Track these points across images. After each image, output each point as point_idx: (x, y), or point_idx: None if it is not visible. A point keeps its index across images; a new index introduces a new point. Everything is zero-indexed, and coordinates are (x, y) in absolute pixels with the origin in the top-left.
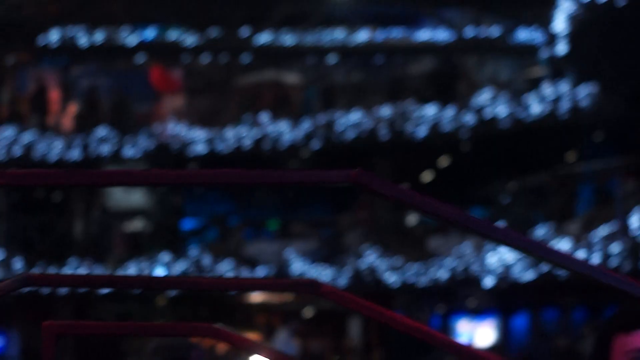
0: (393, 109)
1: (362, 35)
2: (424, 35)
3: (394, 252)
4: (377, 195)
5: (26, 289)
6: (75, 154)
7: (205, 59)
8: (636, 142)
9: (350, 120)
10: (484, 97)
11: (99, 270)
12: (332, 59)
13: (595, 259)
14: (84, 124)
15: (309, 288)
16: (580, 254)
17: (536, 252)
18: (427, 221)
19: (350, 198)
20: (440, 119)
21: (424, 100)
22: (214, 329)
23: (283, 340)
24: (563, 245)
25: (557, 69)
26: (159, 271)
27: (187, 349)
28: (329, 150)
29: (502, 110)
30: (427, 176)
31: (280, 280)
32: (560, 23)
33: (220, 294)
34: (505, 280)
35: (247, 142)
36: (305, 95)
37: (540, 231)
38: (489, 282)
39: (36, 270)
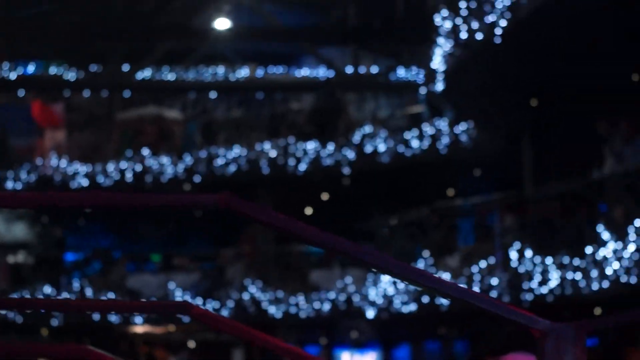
0: (274, 144)
1: (243, 72)
2: (304, 72)
3: (276, 285)
4: (246, 218)
5: None
6: None
7: (86, 93)
8: (514, 178)
9: (232, 155)
10: (363, 132)
11: None
12: (213, 94)
13: (475, 290)
14: None
15: (181, 309)
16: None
17: (407, 275)
18: (310, 254)
19: (233, 232)
20: (320, 154)
21: (304, 136)
22: (86, 349)
23: None
24: (443, 277)
25: (436, 106)
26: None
27: None
28: (210, 183)
29: (381, 145)
30: (308, 210)
31: (154, 302)
32: (438, 61)
33: (104, 325)
34: (387, 312)
35: (129, 176)
36: (187, 130)
37: (420, 264)
38: (370, 313)
39: None
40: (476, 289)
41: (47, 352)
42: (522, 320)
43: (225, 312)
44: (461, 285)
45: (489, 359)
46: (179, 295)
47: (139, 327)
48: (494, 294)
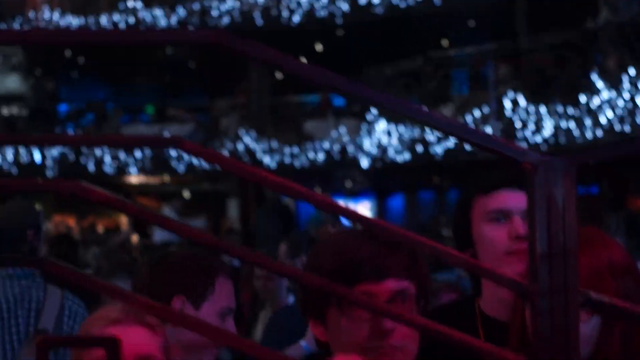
0: None
1: None
2: None
3: (270, 135)
4: (239, 54)
5: None
6: None
7: None
8: (508, 28)
9: (225, 7)
10: None
11: None
12: None
13: None
14: None
15: (172, 143)
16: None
17: (410, 113)
18: (304, 104)
19: (228, 83)
20: (314, 5)
21: None
22: (79, 185)
23: (167, 215)
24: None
25: None
26: (36, 155)
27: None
28: None
29: None
30: (302, 61)
31: (146, 136)
32: None
33: (99, 176)
34: (381, 161)
35: (122, 27)
36: None
37: None
38: (364, 163)
39: None
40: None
41: (40, 187)
42: (512, 154)
43: None
44: (453, 119)
45: (480, 195)
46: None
47: (134, 177)
48: None
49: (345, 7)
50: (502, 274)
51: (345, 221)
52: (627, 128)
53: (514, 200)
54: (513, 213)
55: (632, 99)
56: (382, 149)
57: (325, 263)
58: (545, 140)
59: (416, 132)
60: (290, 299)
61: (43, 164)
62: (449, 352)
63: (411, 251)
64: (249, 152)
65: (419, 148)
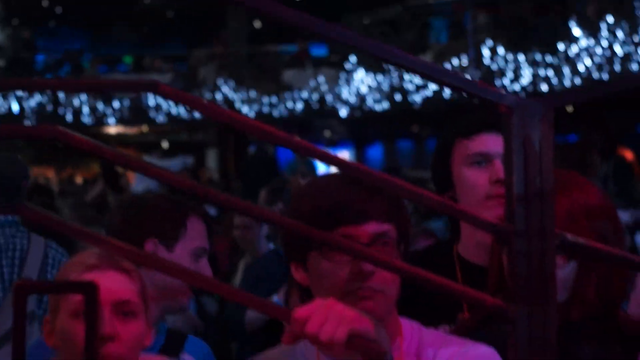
0: None
1: None
2: None
3: (249, 85)
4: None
5: None
6: None
7: None
8: None
9: None
10: None
11: None
12: None
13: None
14: None
15: (149, 87)
16: (433, 85)
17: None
18: (283, 53)
19: (206, 33)
20: None
21: None
22: (56, 129)
23: None
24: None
25: None
26: (14, 106)
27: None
28: None
29: None
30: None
31: (122, 81)
32: None
33: (77, 127)
34: (360, 110)
35: None
36: None
37: None
38: (343, 112)
39: None
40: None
41: (18, 132)
42: (489, 96)
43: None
44: (430, 62)
45: (460, 139)
46: (151, 96)
47: (112, 127)
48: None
49: None
50: (479, 216)
51: (319, 171)
52: (605, 76)
53: (494, 143)
54: (493, 157)
55: (610, 47)
56: (361, 98)
57: (306, 206)
58: (523, 89)
59: (395, 81)
60: (270, 247)
61: (21, 115)
62: (429, 298)
63: (391, 195)
64: (228, 101)
65: (398, 97)
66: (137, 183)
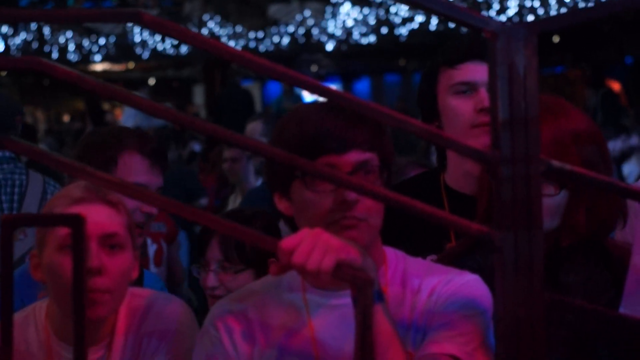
0: None
1: None
2: None
3: (234, 20)
4: None
5: None
6: None
7: None
8: None
9: None
10: None
11: None
12: None
13: None
14: None
15: (131, 17)
16: (419, 17)
17: None
18: None
19: None
20: None
21: None
22: (36, 59)
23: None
24: (402, 10)
25: None
26: None
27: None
28: None
29: None
30: None
31: (105, 10)
32: None
33: (63, 63)
34: (346, 44)
35: None
36: None
37: None
38: (330, 46)
39: None
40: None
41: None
42: (474, 22)
43: (184, 49)
44: None
45: (445, 68)
46: (137, 32)
47: (98, 65)
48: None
49: None
50: (465, 144)
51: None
52: (591, 4)
53: (480, 72)
54: (479, 85)
55: None
56: (347, 31)
57: (289, 136)
58: (509, 19)
59: (381, 14)
60: (259, 182)
61: (6, 52)
62: (417, 228)
63: (375, 124)
64: (214, 37)
65: (384, 30)
66: (124, 119)
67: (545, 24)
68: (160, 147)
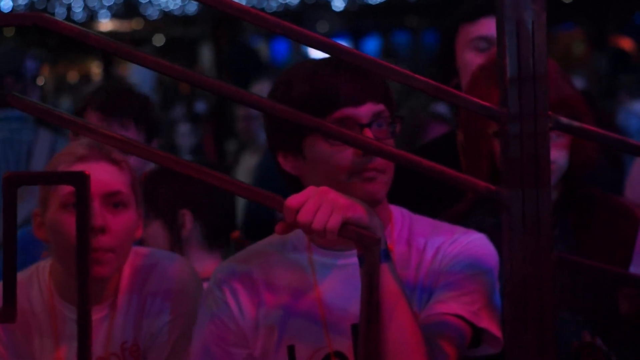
0: None
1: None
2: None
3: None
4: None
5: None
6: None
7: None
8: None
9: None
10: None
11: None
12: None
13: None
14: None
15: None
16: None
17: None
18: None
19: None
20: None
21: None
22: (41, 16)
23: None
24: None
25: None
26: (6, 2)
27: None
28: None
29: None
30: None
31: None
32: None
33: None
34: (355, 3)
35: None
36: None
37: None
38: (338, 4)
39: None
40: None
41: (2, 20)
42: None
43: (191, 7)
44: None
45: (465, 23)
46: None
47: (104, 23)
48: None
49: None
50: (472, 99)
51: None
52: None
53: None
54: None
55: None
56: None
57: (299, 91)
58: None
59: None
60: None
61: (13, 11)
62: (430, 189)
63: (380, 77)
64: None
65: None
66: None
67: None
68: (142, 108)
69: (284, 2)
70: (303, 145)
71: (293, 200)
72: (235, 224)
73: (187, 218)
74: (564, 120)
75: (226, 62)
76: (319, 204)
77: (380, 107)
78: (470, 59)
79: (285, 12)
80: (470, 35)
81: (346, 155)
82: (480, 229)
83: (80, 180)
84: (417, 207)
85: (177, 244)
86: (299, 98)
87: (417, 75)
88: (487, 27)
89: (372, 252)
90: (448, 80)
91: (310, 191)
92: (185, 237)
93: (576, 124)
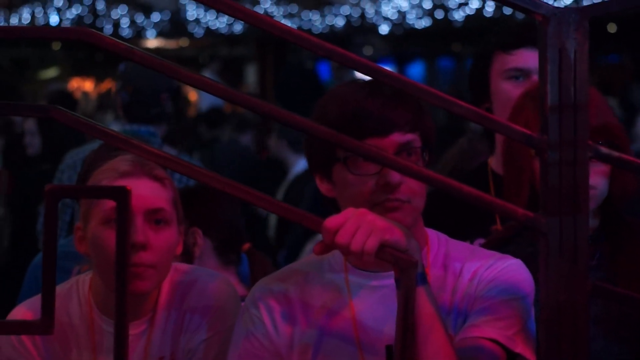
0: None
1: None
2: None
3: (289, 0)
4: None
5: None
6: None
7: None
8: None
9: None
10: None
11: None
12: None
13: None
14: None
15: None
16: (475, 2)
17: None
18: None
19: None
20: None
21: None
22: (86, 31)
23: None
24: None
25: None
26: (54, 17)
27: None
28: None
29: None
30: None
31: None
32: None
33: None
34: (401, 27)
35: None
36: None
37: None
38: (384, 29)
39: None
40: None
41: (49, 34)
42: (526, 5)
43: (238, 27)
44: None
45: (499, 52)
46: (191, 9)
47: (151, 41)
48: None
49: None
50: (513, 126)
51: None
52: None
53: (533, 59)
54: (532, 72)
55: None
56: (402, 14)
57: (330, 117)
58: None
59: None
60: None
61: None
62: (463, 212)
63: (415, 104)
64: (268, 16)
65: (439, 14)
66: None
67: (597, 9)
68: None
69: (330, 24)
70: (332, 172)
71: (332, 221)
72: (244, 236)
73: (198, 236)
74: (604, 149)
75: (281, 83)
76: (357, 225)
77: (409, 137)
78: (505, 88)
79: (331, 36)
80: (505, 65)
81: (368, 186)
82: (518, 256)
83: (121, 195)
84: (447, 230)
85: (190, 262)
86: (329, 124)
87: (458, 101)
88: (523, 58)
89: (408, 275)
90: (479, 104)
91: (349, 212)
92: (198, 256)
93: (615, 154)
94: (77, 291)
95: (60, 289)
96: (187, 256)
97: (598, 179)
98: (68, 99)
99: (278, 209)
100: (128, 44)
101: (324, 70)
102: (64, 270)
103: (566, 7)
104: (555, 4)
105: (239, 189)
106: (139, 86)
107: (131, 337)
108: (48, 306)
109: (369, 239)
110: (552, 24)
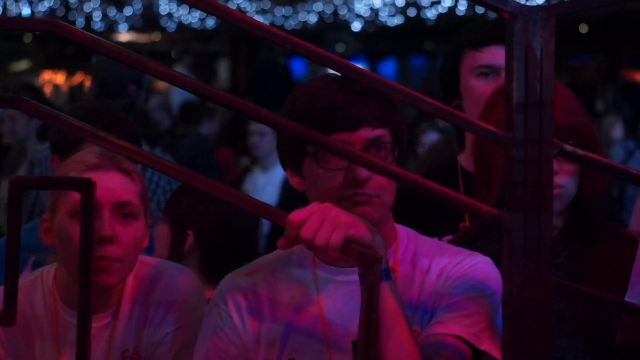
0: None
1: None
2: None
3: None
4: None
5: None
6: None
7: None
8: None
9: None
10: None
11: None
12: None
13: None
14: None
15: None
16: (447, 0)
17: None
18: None
19: None
20: None
21: None
22: (53, 22)
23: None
24: None
25: None
26: (26, 10)
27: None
28: None
29: None
30: None
31: None
32: None
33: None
34: (373, 25)
35: None
36: None
37: None
38: (356, 26)
39: None
40: None
41: (19, 25)
42: (493, 2)
43: (210, 21)
44: None
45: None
46: (163, 3)
47: (123, 35)
48: None
49: None
50: (479, 123)
51: None
52: None
53: (503, 56)
54: (502, 69)
55: None
56: (375, 12)
57: (300, 111)
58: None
59: None
60: None
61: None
62: (431, 208)
63: (386, 100)
64: (241, 11)
65: (412, 12)
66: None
67: (564, 8)
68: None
69: (302, 21)
70: (302, 166)
71: (296, 215)
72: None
73: (189, 239)
74: (569, 147)
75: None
76: (321, 220)
77: (378, 132)
78: (475, 85)
79: (304, 32)
80: (475, 62)
81: (336, 180)
82: (485, 253)
83: (86, 187)
84: (416, 225)
85: (174, 256)
86: (299, 118)
87: (425, 97)
88: (493, 55)
89: (372, 270)
90: (449, 101)
91: (314, 207)
92: (184, 255)
93: (581, 152)
94: (41, 283)
95: (24, 280)
96: (175, 250)
97: (566, 178)
98: (36, 91)
99: (242, 202)
100: (97, 37)
101: (298, 66)
102: (20, 261)
103: (532, 5)
104: (528, 3)
105: (202, 181)
106: (106, 78)
107: (95, 329)
108: (11, 298)
109: (333, 233)
110: (519, 21)
